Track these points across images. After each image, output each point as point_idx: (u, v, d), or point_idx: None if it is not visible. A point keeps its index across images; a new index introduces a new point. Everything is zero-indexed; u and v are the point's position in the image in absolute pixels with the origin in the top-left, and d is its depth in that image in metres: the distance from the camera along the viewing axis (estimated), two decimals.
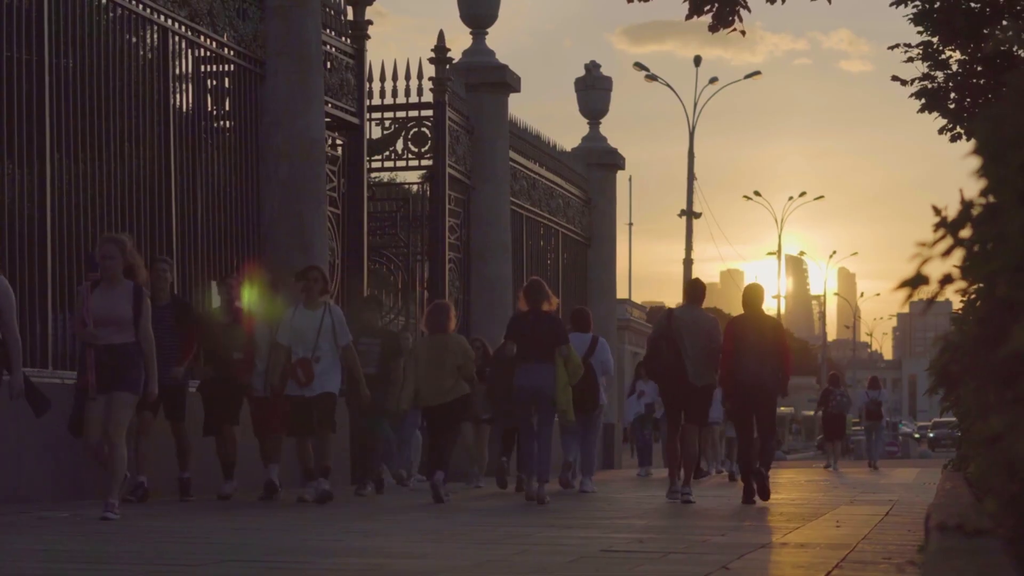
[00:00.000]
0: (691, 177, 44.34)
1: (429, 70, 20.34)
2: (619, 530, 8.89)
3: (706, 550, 7.22)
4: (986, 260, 2.81)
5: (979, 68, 15.75)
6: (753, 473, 12.79)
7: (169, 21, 14.30)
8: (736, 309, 14.14)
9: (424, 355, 12.80)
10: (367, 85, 18.64)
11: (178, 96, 14.75)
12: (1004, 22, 14.57)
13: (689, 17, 13.88)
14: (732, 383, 12.75)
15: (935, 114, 16.01)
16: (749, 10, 13.72)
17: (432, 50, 20.36)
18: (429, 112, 20.39)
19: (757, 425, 12.89)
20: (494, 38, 25.72)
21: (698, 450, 14.54)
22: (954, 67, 15.96)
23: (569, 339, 13.10)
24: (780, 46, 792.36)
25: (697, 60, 44.12)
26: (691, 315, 13.17)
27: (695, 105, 43.92)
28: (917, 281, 2.87)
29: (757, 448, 12.96)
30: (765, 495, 12.76)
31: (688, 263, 43.32)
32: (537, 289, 12.85)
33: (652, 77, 42.39)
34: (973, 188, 2.92)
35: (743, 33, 13.83)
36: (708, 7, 13.73)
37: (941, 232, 2.92)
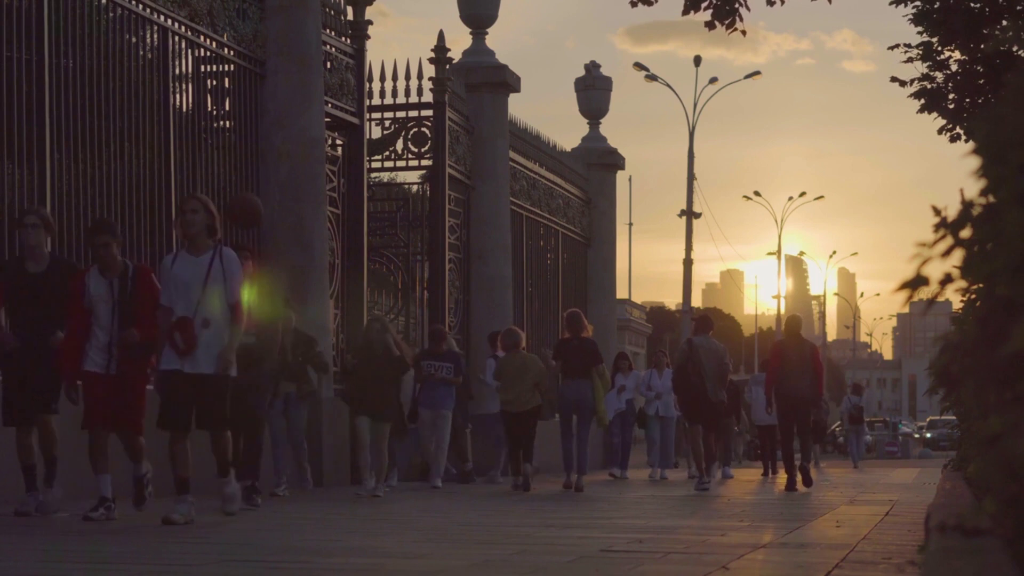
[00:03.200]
0: (691, 177, 44.32)
1: (429, 70, 20.37)
2: (619, 530, 8.88)
3: (706, 550, 7.22)
4: (986, 260, 2.81)
5: (979, 68, 15.76)
6: (799, 467, 15.72)
7: (169, 21, 14.31)
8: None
9: (508, 371, 15.41)
10: (367, 85, 18.65)
11: (178, 96, 14.76)
12: (1004, 22, 14.57)
13: (685, 12, 13.84)
14: (778, 395, 15.71)
15: (934, 114, 16.01)
16: (748, 9, 13.69)
17: (432, 50, 20.37)
18: (429, 112, 20.39)
19: (797, 428, 15.99)
20: (494, 38, 25.74)
21: (713, 450, 17.02)
22: (954, 67, 15.97)
23: (603, 360, 15.99)
24: (783, 46, 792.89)
25: (697, 60, 44.10)
26: (707, 343, 16.02)
27: (695, 105, 43.94)
28: (917, 282, 2.87)
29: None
30: (808, 483, 15.63)
31: (688, 263, 43.30)
32: (577, 319, 15.80)
33: (652, 77, 42.38)
34: (973, 188, 2.92)
35: (743, 33, 13.79)
36: (705, 3, 13.70)
37: (941, 232, 2.92)
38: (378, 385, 13.45)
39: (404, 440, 16.37)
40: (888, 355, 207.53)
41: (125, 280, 9.45)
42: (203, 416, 9.09)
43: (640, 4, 14.05)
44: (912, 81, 15.98)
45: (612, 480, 20.28)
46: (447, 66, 20.52)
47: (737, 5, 13.61)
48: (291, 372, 13.32)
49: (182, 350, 8.94)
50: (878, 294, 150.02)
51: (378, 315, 15.40)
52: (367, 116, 18.70)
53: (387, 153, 20.47)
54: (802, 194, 63.80)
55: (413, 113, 20.39)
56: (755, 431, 25.73)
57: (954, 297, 3.88)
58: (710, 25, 13.79)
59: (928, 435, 58.35)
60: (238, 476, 10.09)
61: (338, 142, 17.88)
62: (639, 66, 42.30)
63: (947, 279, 2.92)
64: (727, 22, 13.62)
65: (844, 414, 31.70)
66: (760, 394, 20.37)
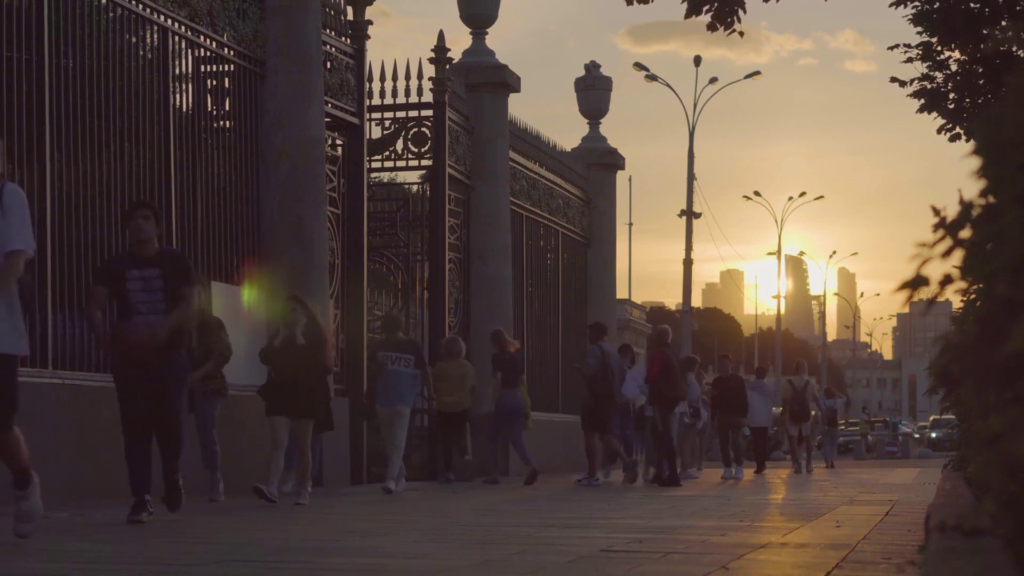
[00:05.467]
0: (691, 177, 44.32)
1: (429, 70, 20.38)
2: (619, 530, 8.88)
3: (706, 550, 7.22)
4: (986, 260, 2.81)
5: (979, 68, 15.76)
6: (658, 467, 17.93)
7: (169, 21, 14.30)
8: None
9: (450, 377, 17.19)
10: (367, 85, 18.65)
11: (178, 96, 14.75)
12: (1004, 22, 14.57)
13: (688, 16, 13.86)
14: (670, 397, 17.60)
15: (934, 114, 16.02)
16: (745, 11, 13.70)
17: (432, 50, 20.37)
18: (429, 112, 20.40)
19: (665, 427, 17.70)
20: (494, 38, 25.77)
21: (611, 448, 19.03)
22: (953, 67, 15.97)
23: (523, 371, 19.12)
24: (785, 46, 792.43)
25: (697, 60, 44.10)
26: (611, 350, 18.43)
27: (695, 105, 43.95)
28: (917, 282, 2.87)
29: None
30: (667, 482, 17.28)
31: (688, 263, 43.30)
32: (501, 336, 18.26)
33: (652, 77, 42.38)
34: (973, 188, 2.92)
35: (741, 34, 13.79)
36: (707, 7, 13.71)
37: (941, 233, 2.92)
38: (294, 376, 11.85)
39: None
40: (888, 355, 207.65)
41: None
42: None
43: (637, 3, 14.03)
44: (912, 81, 15.99)
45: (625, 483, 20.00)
46: (447, 66, 20.52)
47: (736, 7, 13.62)
48: (196, 362, 11.56)
49: None
50: (878, 294, 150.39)
51: (296, 295, 13.01)
52: (367, 116, 18.69)
53: (387, 153, 20.47)
54: (802, 194, 63.90)
55: (413, 113, 20.39)
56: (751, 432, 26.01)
57: (954, 297, 3.88)
58: (711, 27, 13.79)
59: (933, 435, 58.14)
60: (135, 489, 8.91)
61: (338, 142, 17.88)
62: (639, 66, 42.30)
63: (947, 279, 2.92)
64: (726, 23, 13.62)
65: (820, 417, 32.71)
66: (755, 399, 22.62)
